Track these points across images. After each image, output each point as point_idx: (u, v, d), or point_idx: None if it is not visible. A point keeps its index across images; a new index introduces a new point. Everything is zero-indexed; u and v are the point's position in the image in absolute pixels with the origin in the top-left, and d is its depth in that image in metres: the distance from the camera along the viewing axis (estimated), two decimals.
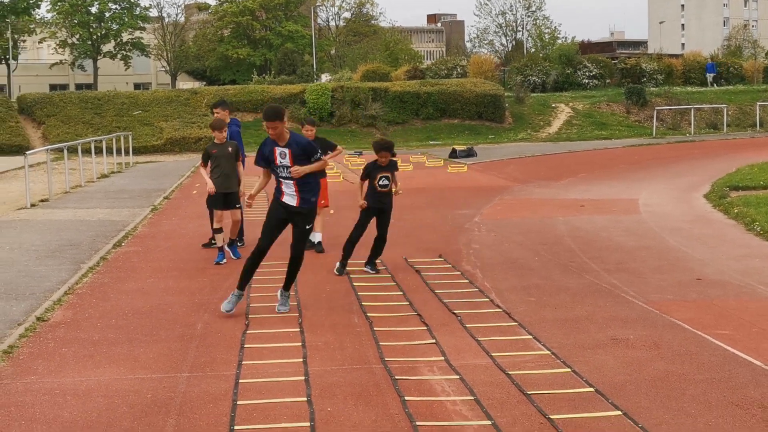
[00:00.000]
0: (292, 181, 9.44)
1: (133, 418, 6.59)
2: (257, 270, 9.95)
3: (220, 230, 13.11)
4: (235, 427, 6.35)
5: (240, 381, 7.41)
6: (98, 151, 30.81)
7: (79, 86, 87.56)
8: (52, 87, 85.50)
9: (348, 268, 11.94)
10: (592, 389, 7.07)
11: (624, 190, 21.94)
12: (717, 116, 49.49)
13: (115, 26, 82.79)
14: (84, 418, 6.60)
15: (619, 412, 6.52)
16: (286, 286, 9.91)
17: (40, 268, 12.45)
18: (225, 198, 13.06)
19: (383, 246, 12.07)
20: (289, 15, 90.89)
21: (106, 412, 6.71)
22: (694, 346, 8.28)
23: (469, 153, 34.97)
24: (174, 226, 16.87)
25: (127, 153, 34.39)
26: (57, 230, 16.05)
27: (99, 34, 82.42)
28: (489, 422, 6.38)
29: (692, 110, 47.14)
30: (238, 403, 6.87)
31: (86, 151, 31.02)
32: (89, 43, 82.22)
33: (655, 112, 46.87)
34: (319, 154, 9.57)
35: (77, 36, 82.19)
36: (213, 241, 13.69)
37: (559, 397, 6.90)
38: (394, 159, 12.11)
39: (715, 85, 57.17)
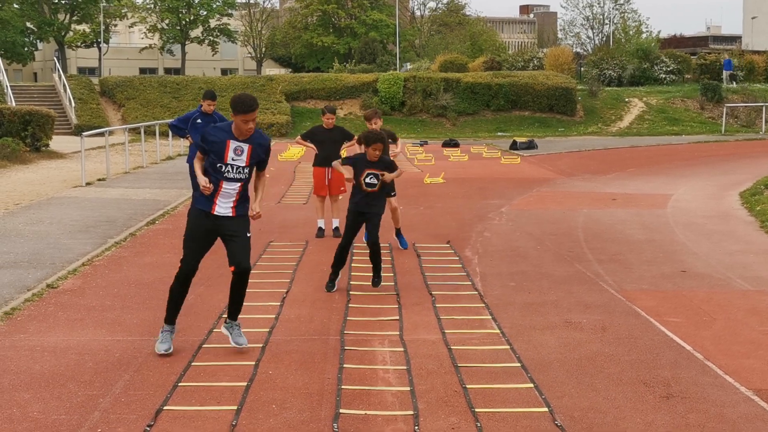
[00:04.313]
0: (237, 185, 7.77)
1: (94, 372, 7.36)
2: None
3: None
4: (180, 384, 7.07)
5: (203, 345, 8.15)
6: (169, 134, 32.00)
7: (167, 70, 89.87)
8: (142, 70, 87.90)
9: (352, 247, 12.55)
10: (518, 365, 7.63)
11: (663, 185, 22.19)
12: None
13: (203, 12, 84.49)
14: (51, 371, 7.39)
15: (531, 385, 7.08)
16: (233, 315, 8.16)
17: (69, 241, 13.37)
18: None
19: (377, 253, 10.52)
20: (374, 4, 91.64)
21: (73, 367, 7.49)
22: (639, 331, 8.75)
23: (530, 145, 35.34)
24: None
25: None
26: (100, 207, 17.04)
27: (188, 19, 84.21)
28: (408, 389, 7.00)
29: (764, 108, 46.61)
30: (193, 364, 7.60)
31: (164, 134, 32.31)
32: (178, 28, 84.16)
33: (725, 109, 46.57)
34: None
35: (166, 21, 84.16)
36: None
37: (485, 370, 7.48)
38: (392, 158, 11.00)
39: (734, 82, 55.81)
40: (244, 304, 9.59)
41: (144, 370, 7.43)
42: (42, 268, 11.43)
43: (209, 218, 7.80)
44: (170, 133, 32.23)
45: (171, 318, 8.10)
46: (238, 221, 7.84)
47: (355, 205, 10.39)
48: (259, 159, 7.84)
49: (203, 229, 7.84)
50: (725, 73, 56.49)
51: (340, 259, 10.48)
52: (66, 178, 23.07)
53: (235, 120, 7.65)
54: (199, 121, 14.22)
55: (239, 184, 7.78)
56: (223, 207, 7.78)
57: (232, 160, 7.68)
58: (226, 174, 7.71)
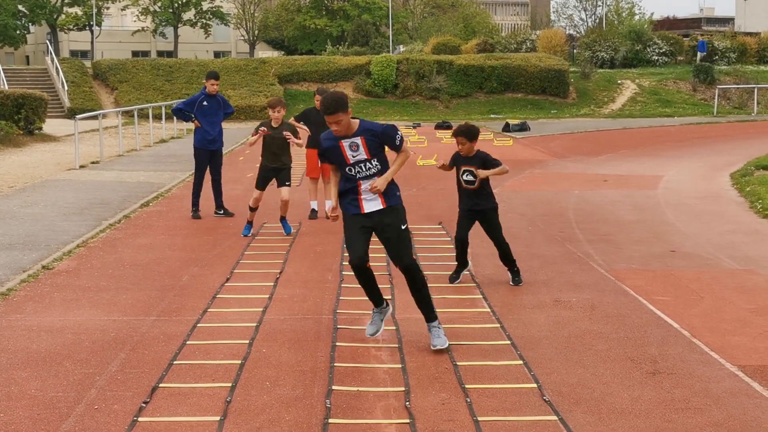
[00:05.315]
0: (372, 181, 7.53)
1: (90, 351, 7.47)
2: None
3: (255, 209, 13.03)
4: (175, 362, 7.18)
5: (198, 325, 8.25)
6: (162, 117, 32.03)
7: (160, 53, 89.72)
8: (135, 53, 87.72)
9: None
10: (508, 342, 7.75)
11: (655, 166, 22.31)
12: None
13: None
14: (47, 349, 7.50)
15: (520, 362, 7.21)
16: (428, 317, 7.72)
17: (64, 223, 13.47)
18: (276, 173, 12.95)
19: (507, 253, 10.06)
20: None
21: (69, 346, 7.60)
22: (628, 309, 8.88)
23: (522, 127, 35.42)
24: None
25: None
26: (94, 190, 17.13)
27: (180, 2, 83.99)
28: (399, 366, 7.12)
29: (755, 89, 46.76)
30: (187, 342, 7.71)
31: (157, 117, 32.33)
32: (170, 11, 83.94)
33: (717, 91, 46.73)
34: (400, 137, 7.63)
35: (159, 4, 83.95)
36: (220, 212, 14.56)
37: (475, 348, 7.60)
38: (483, 152, 10.09)
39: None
40: (240, 284, 9.77)
41: (139, 349, 7.54)
42: (37, 249, 11.53)
43: (361, 216, 7.57)
44: (163, 116, 32.40)
45: (373, 301, 7.93)
46: (390, 213, 7.56)
47: (465, 206, 9.96)
48: (379, 144, 7.48)
49: (359, 225, 7.57)
50: (699, 55, 56.36)
51: (459, 254, 10.13)
52: (60, 161, 23.15)
53: None
54: (205, 103, 14.28)
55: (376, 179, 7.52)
56: (371, 203, 7.56)
57: (353, 158, 7.43)
58: (358, 174, 7.48)
